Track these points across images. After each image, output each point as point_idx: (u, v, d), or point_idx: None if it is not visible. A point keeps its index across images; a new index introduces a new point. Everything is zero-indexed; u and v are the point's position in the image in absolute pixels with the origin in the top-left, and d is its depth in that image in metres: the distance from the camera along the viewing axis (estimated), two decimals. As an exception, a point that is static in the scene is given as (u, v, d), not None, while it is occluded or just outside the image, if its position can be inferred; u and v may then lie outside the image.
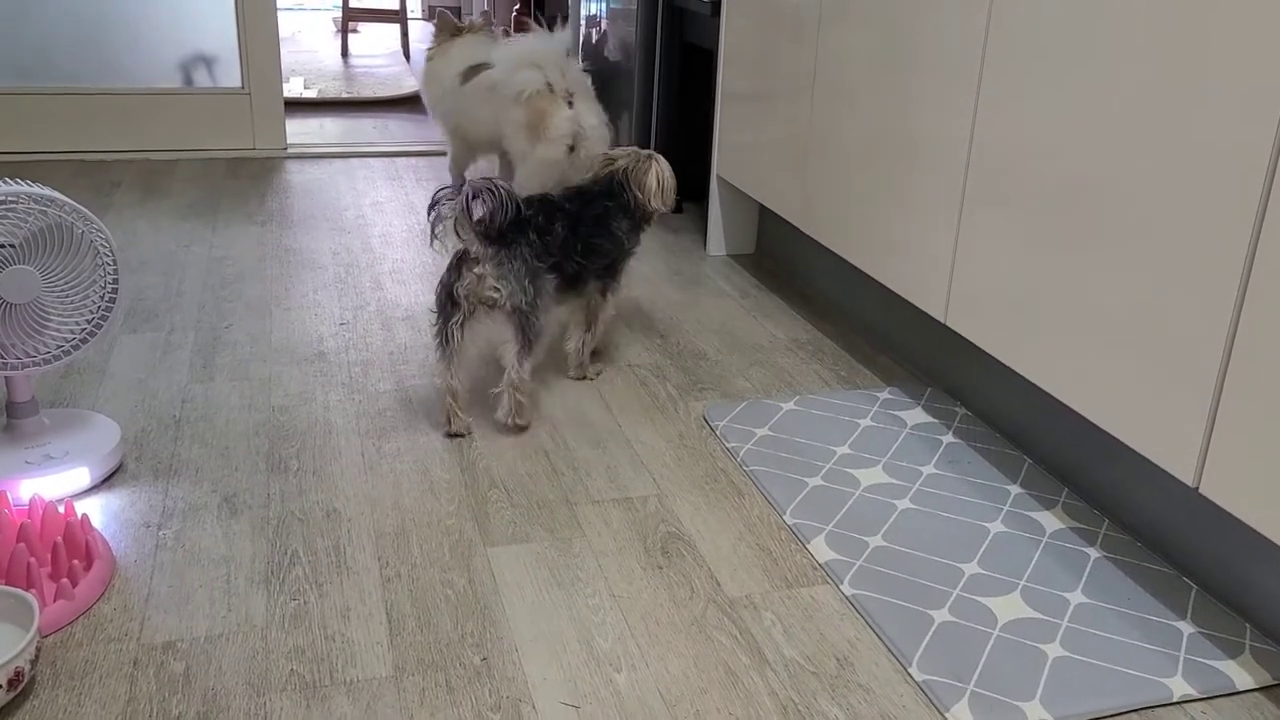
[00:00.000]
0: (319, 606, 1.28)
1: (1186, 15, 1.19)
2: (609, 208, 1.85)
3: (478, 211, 1.55)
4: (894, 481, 1.58)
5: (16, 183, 1.39)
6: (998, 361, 1.58)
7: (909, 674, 1.20)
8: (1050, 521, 1.49)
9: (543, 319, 1.69)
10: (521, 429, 1.73)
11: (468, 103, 2.87)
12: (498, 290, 1.62)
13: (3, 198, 1.36)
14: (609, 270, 1.87)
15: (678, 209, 3.07)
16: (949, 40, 1.63)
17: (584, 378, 1.95)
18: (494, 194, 1.56)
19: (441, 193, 1.59)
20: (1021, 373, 1.51)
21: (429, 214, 1.59)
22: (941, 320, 1.70)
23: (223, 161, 3.42)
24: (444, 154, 3.62)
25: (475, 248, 1.60)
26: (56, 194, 1.40)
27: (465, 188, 1.56)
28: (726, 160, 2.59)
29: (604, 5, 3.34)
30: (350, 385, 1.87)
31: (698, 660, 1.21)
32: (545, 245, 1.68)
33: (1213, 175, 1.16)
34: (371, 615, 1.27)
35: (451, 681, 1.16)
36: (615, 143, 2.88)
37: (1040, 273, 1.45)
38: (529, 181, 2.61)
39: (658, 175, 1.89)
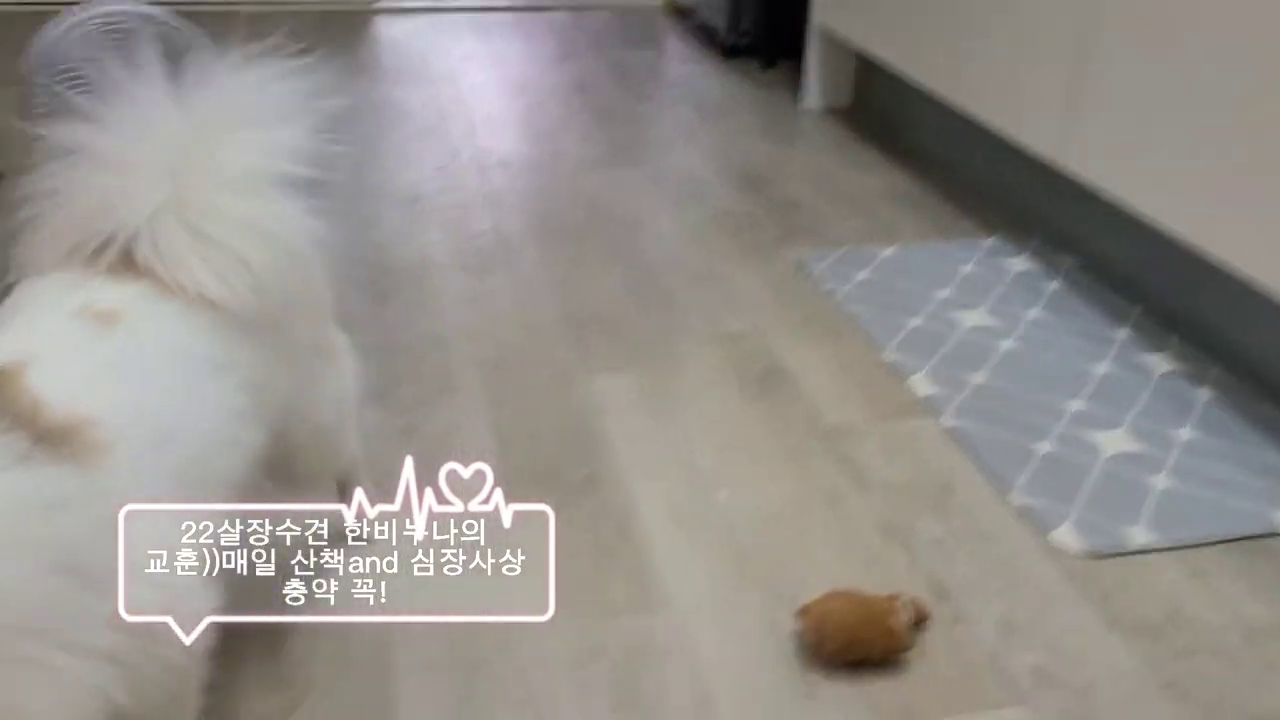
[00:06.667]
0: (428, 423, 1.32)
1: None
2: None
3: None
4: (997, 324, 1.56)
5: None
6: (1109, 209, 1.53)
7: (1009, 500, 1.19)
8: (1159, 364, 1.45)
9: None
10: None
11: None
12: None
13: (107, 18, 1.37)
14: None
15: (771, 64, 2.96)
16: None
17: None
18: None
19: None
20: (1138, 209, 1.45)
21: None
22: (1052, 161, 1.64)
23: (314, 14, 3.41)
24: (535, 10, 3.61)
25: None
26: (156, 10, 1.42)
27: None
28: (825, 4, 2.49)
29: None
30: (447, 225, 1.89)
31: (798, 483, 1.23)
32: None
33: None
34: (480, 435, 1.30)
35: (559, 494, 1.19)
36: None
37: (1174, 113, 1.39)
38: None
39: None
